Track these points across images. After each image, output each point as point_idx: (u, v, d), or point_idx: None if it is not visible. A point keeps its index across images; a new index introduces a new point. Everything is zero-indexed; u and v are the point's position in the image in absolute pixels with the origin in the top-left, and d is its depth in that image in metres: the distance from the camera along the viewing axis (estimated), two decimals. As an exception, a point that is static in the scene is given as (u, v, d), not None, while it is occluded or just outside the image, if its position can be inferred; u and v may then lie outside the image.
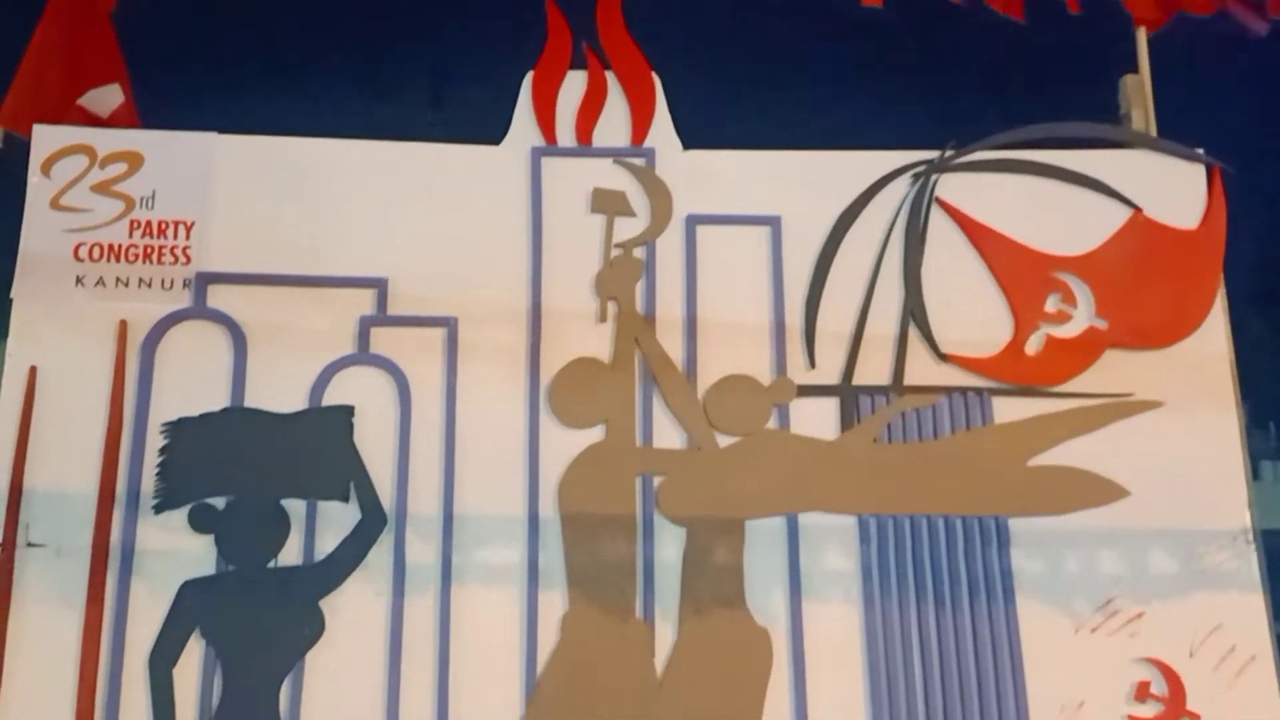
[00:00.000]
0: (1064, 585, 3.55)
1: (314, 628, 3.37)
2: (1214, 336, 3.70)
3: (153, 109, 3.98)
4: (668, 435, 3.58)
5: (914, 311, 3.69)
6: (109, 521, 3.40)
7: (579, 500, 3.48)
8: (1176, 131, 3.86)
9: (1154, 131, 3.87)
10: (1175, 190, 3.81)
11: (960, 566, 3.53)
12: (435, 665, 3.37)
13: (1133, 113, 3.90)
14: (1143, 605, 3.54)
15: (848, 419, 3.61)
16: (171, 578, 3.37)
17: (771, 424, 3.60)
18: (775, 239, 3.70)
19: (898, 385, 3.64)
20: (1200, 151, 3.84)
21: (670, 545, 3.49)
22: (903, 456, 3.59)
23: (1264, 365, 3.73)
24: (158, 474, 3.44)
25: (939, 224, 3.77)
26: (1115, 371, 3.67)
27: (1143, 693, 3.50)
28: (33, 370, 3.47)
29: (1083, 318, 3.73)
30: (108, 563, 3.36)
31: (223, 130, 3.68)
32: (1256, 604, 3.56)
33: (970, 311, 3.70)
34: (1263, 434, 3.68)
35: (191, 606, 3.36)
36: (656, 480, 3.53)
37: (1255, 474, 3.64)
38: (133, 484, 3.42)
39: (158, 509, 3.42)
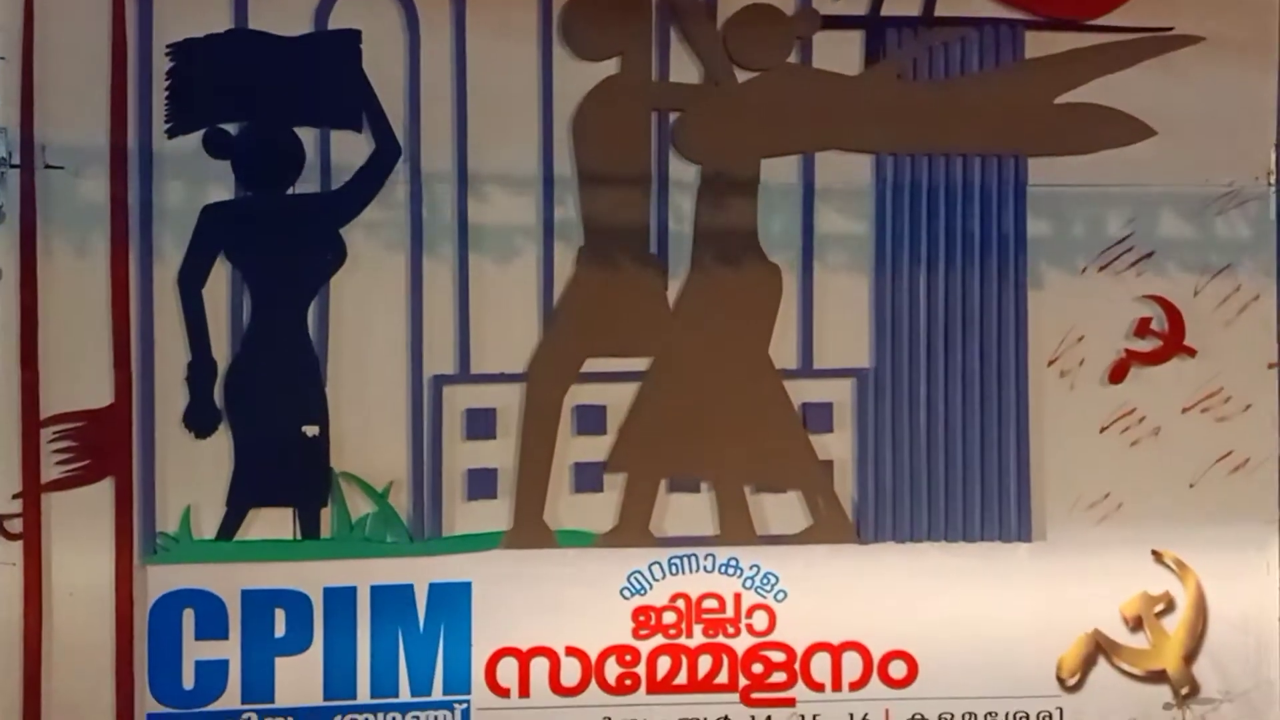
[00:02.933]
0: (1076, 224, 3.57)
1: (336, 254, 3.45)
2: (1266, -32, 3.50)
3: None
4: (685, 69, 3.47)
5: (951, -65, 3.47)
6: (124, 143, 3.39)
7: (593, 135, 3.44)
8: None
9: None
10: None
11: (975, 205, 3.54)
12: (456, 293, 3.46)
13: None
14: (1154, 245, 3.57)
15: (873, 53, 3.49)
16: (192, 201, 3.40)
17: (793, 58, 3.48)
18: None
19: (928, 17, 3.49)
20: None
21: (685, 182, 3.48)
22: (926, 94, 3.51)
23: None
24: (168, 98, 3.39)
25: None
26: (1156, 4, 3.51)
27: (1142, 328, 3.60)
28: (28, -11, 3.33)
29: (1128, -56, 3.51)
30: (127, 184, 3.37)
31: None
32: (1268, 245, 3.59)
33: (1010, -64, 3.48)
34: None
35: (214, 229, 3.42)
36: (672, 116, 3.46)
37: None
38: (143, 105, 3.37)
39: (171, 133, 3.41)
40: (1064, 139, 3.52)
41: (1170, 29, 3.52)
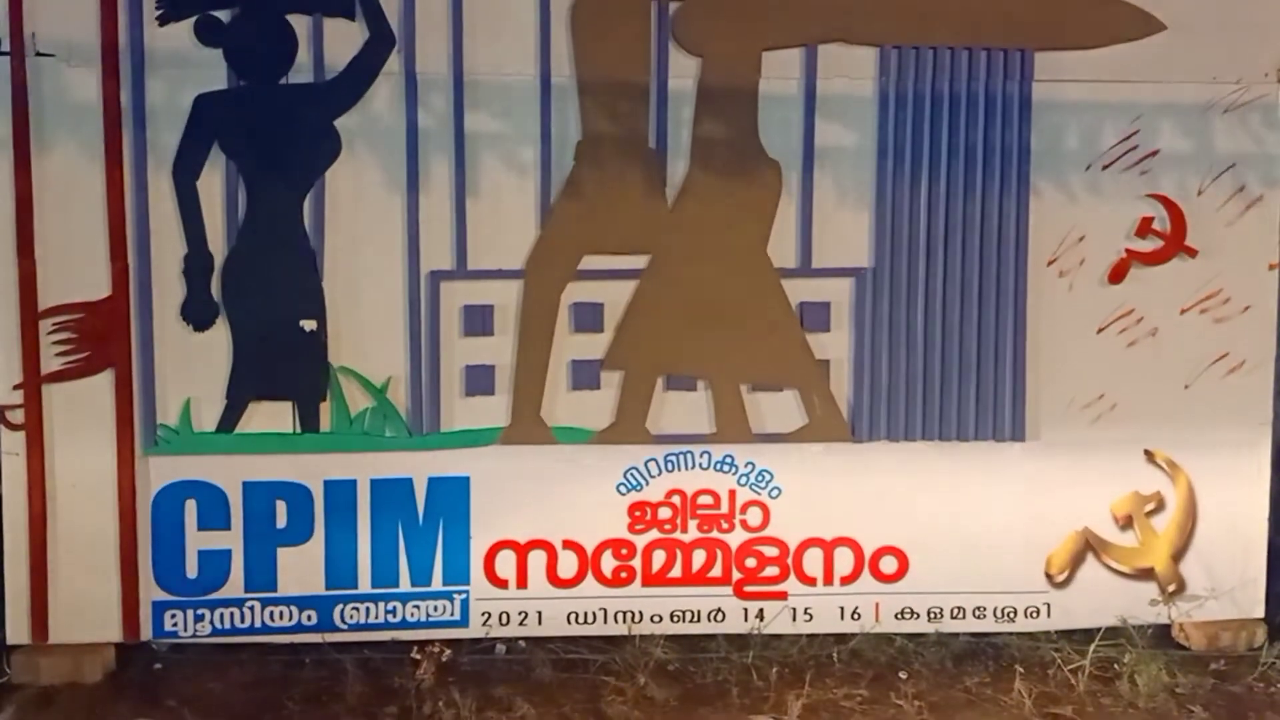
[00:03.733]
0: (1081, 123, 3.52)
1: (331, 146, 3.41)
2: None
3: None
4: (685, -43, 3.40)
5: None
6: (115, 32, 3.34)
7: (591, 26, 3.38)
8: None
9: None
10: None
11: (979, 101, 3.49)
12: (453, 188, 3.43)
13: None
14: (1159, 143, 3.53)
15: (880, -57, 3.41)
16: (185, 90, 3.36)
17: (797, -52, 3.41)
18: None
19: (937, -94, 3.40)
20: None
21: (685, 75, 3.42)
22: (933, -14, 3.43)
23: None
24: (158, -15, 3.33)
25: None
26: (1172, -106, 3.41)
27: (1144, 228, 3.57)
28: None
29: None
30: (119, 74, 3.33)
31: None
32: (1275, 145, 3.54)
33: None
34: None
35: (208, 119, 3.39)
36: (672, 6, 3.39)
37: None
38: (134, -11, 3.32)
39: (162, 20, 3.36)
40: (1072, 32, 3.46)
41: (1185, -83, 3.44)
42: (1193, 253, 3.57)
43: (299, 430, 3.48)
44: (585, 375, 3.51)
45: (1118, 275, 3.57)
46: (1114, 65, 3.48)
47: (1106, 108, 3.51)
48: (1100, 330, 3.58)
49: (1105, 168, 3.54)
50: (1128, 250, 3.57)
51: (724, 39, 3.42)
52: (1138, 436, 3.62)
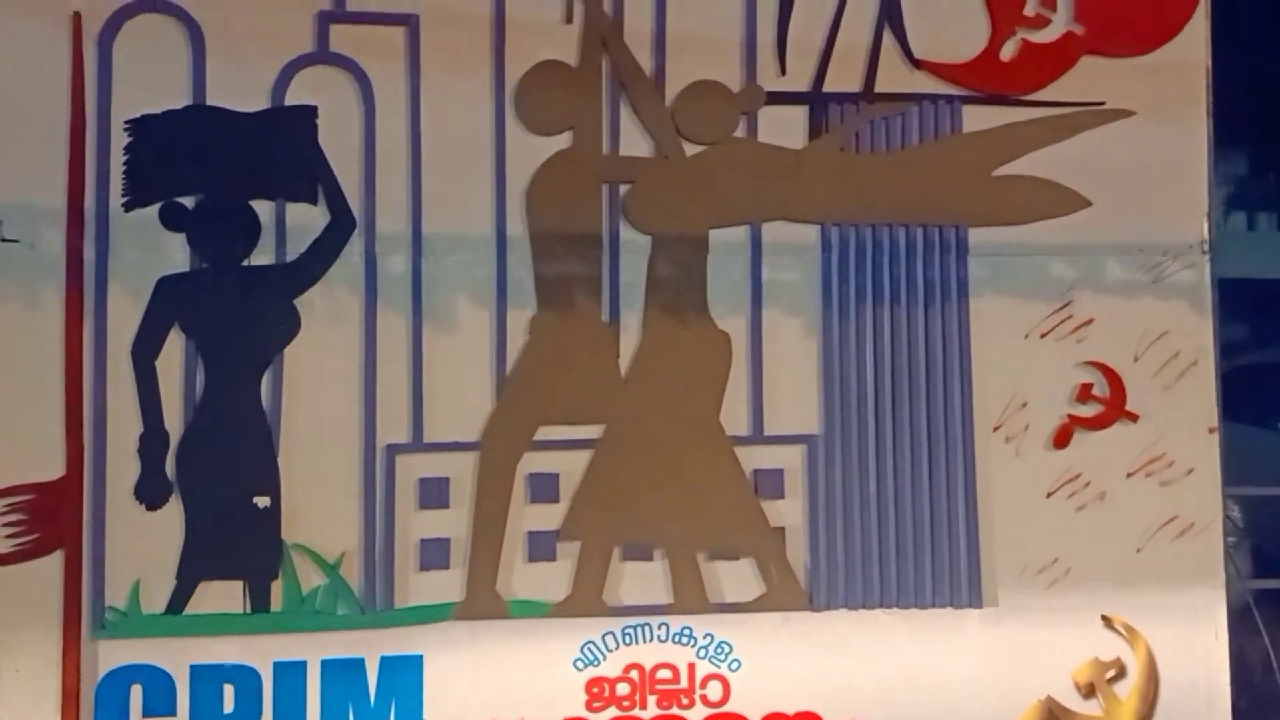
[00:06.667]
0: (1018, 293, 3.65)
1: (290, 324, 3.47)
2: (1193, 44, 3.65)
3: None
4: (635, 143, 3.56)
5: (890, 15, 3.59)
6: (81, 217, 3.42)
7: (545, 207, 3.51)
8: None
9: None
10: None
11: (918, 274, 3.63)
12: (409, 362, 3.49)
13: None
14: (1093, 312, 3.66)
15: (817, 128, 3.59)
16: (148, 273, 3.43)
17: (740, 132, 3.58)
18: (751, -63, 3.56)
19: (868, 93, 3.60)
20: None
21: (636, 252, 3.54)
22: (869, 166, 3.61)
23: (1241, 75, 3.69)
24: (125, 171, 3.44)
25: (921, -81, 3.62)
26: (1089, 79, 3.65)
27: (1084, 394, 3.67)
28: (-12, 63, 3.38)
29: (1061, 22, 3.65)
30: (82, 256, 3.40)
31: None
32: (1204, 312, 3.68)
33: (947, 15, 3.62)
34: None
35: (169, 301, 3.45)
36: (623, 189, 3.55)
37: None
38: (100, 178, 3.41)
39: (128, 206, 3.45)
40: (1002, 210, 3.63)
41: (1102, 103, 3.65)
42: (1134, 417, 3.66)
43: (249, 610, 3.42)
44: (542, 547, 3.50)
45: (1062, 440, 3.64)
46: (1046, 238, 3.64)
47: (1040, 279, 3.65)
48: (1049, 495, 3.63)
49: (1043, 336, 3.66)
50: (1070, 416, 3.65)
51: (672, 218, 3.56)
52: (1094, 601, 3.62)
